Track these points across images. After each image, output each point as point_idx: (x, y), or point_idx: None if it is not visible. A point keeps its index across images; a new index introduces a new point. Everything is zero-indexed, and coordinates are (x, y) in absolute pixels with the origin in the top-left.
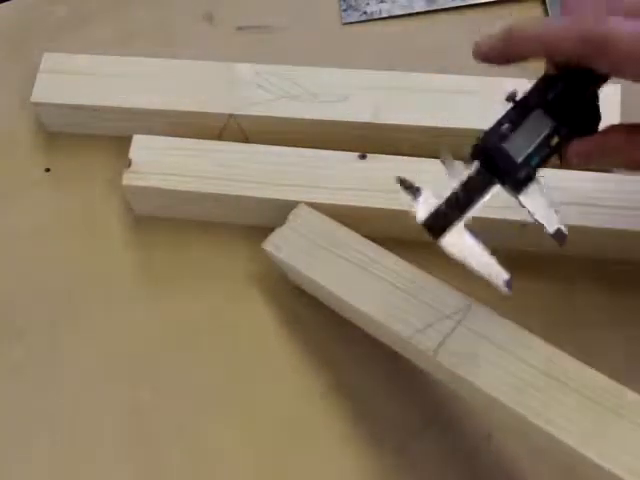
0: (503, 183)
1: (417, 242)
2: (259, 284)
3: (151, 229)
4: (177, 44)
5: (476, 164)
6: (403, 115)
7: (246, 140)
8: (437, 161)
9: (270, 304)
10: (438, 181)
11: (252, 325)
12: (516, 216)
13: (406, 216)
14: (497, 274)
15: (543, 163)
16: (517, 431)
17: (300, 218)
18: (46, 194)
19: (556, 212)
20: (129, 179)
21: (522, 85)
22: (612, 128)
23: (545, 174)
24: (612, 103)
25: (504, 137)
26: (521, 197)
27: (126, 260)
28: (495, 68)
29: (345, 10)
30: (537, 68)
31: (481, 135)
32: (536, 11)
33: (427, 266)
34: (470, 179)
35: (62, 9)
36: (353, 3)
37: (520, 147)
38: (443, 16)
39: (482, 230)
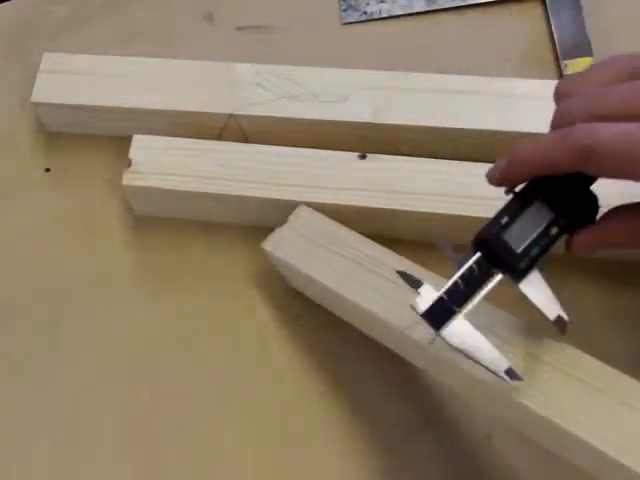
0: (504, 273)
1: (417, 242)
2: (259, 284)
3: (151, 229)
4: (177, 44)
5: (477, 255)
6: (403, 115)
7: (246, 140)
8: (437, 161)
9: (270, 304)
10: (437, 182)
11: (252, 325)
12: None
13: (406, 216)
14: (498, 364)
15: (543, 253)
16: (515, 426)
17: (300, 218)
18: (46, 194)
19: (556, 299)
20: (129, 179)
21: (522, 85)
22: (612, 215)
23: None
24: None
25: (504, 228)
26: (521, 286)
27: (126, 260)
28: (495, 68)
29: (345, 10)
30: (537, 68)
31: (481, 227)
32: (536, 11)
33: (427, 266)
34: (471, 269)
35: (62, 9)
36: (353, 3)
37: (520, 238)
38: (443, 16)
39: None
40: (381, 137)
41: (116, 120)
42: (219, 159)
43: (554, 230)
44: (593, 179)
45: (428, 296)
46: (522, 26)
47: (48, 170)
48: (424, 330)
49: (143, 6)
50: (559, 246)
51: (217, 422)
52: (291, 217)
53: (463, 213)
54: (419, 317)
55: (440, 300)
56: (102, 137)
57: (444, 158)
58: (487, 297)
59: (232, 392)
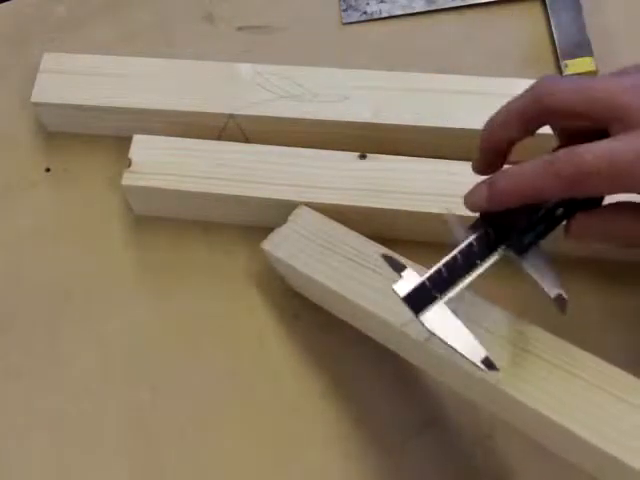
0: (507, 247)
1: (417, 242)
2: (259, 284)
3: (151, 229)
4: (177, 44)
5: (481, 229)
6: (403, 115)
7: (246, 140)
8: (437, 161)
9: (270, 304)
10: (437, 182)
11: (251, 325)
12: None
13: (406, 216)
14: (475, 352)
15: (548, 231)
16: (515, 424)
17: (300, 218)
18: (46, 194)
19: (558, 278)
20: (129, 179)
21: (521, 85)
22: (617, 207)
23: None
24: None
25: None
26: (524, 262)
27: (126, 260)
28: (495, 68)
29: (345, 10)
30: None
31: None
32: (536, 11)
33: (426, 265)
34: (472, 243)
35: (62, 9)
36: (353, 3)
37: (525, 214)
38: (443, 16)
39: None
40: (381, 137)
41: (116, 120)
42: (219, 159)
43: (559, 210)
44: None
45: (411, 281)
46: (522, 26)
47: (48, 170)
48: (421, 328)
49: (143, 6)
50: (560, 246)
51: (217, 422)
52: (291, 217)
53: (463, 213)
54: (402, 301)
55: (422, 285)
56: (102, 137)
57: (444, 158)
58: (471, 286)
59: (232, 392)
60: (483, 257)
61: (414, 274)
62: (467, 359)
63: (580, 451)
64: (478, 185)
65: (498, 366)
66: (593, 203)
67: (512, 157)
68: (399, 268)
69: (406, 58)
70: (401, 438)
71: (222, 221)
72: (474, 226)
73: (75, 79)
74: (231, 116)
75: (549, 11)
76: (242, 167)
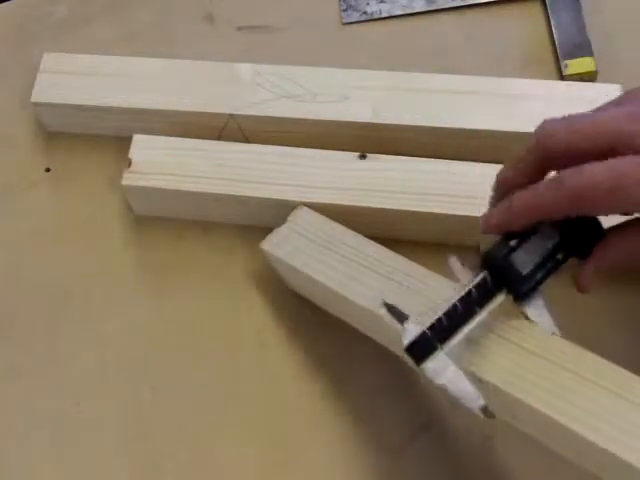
0: (507, 293)
1: (417, 242)
2: (258, 284)
3: (151, 229)
4: (177, 44)
5: (483, 273)
6: (403, 115)
7: (246, 140)
8: (437, 161)
9: (270, 304)
10: (437, 182)
11: (251, 325)
12: None
13: (406, 216)
14: (474, 401)
15: (547, 276)
16: (513, 422)
17: (299, 218)
18: (46, 194)
19: (555, 323)
20: (129, 179)
21: (521, 85)
22: (609, 240)
23: None
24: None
25: (512, 249)
26: (524, 307)
27: (126, 260)
28: (495, 68)
29: (345, 10)
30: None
31: (489, 246)
32: (536, 11)
33: (428, 266)
34: (472, 291)
35: (62, 9)
36: (353, 3)
37: (526, 260)
38: (443, 16)
39: (479, 230)
40: (381, 137)
41: (116, 120)
42: (219, 159)
43: (560, 255)
44: None
45: (412, 330)
46: (522, 26)
47: (48, 170)
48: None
49: (143, 6)
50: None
51: (217, 422)
52: (290, 217)
53: (463, 213)
54: (405, 352)
55: (423, 335)
56: (102, 137)
57: (444, 158)
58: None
59: (232, 392)
60: (483, 304)
61: (415, 322)
62: (467, 407)
63: (580, 449)
64: (490, 208)
65: None
66: (590, 245)
67: None
68: (402, 318)
69: (406, 58)
70: (401, 438)
71: (222, 221)
72: (474, 271)
73: (75, 79)
74: (231, 116)
75: (549, 11)
76: (242, 167)
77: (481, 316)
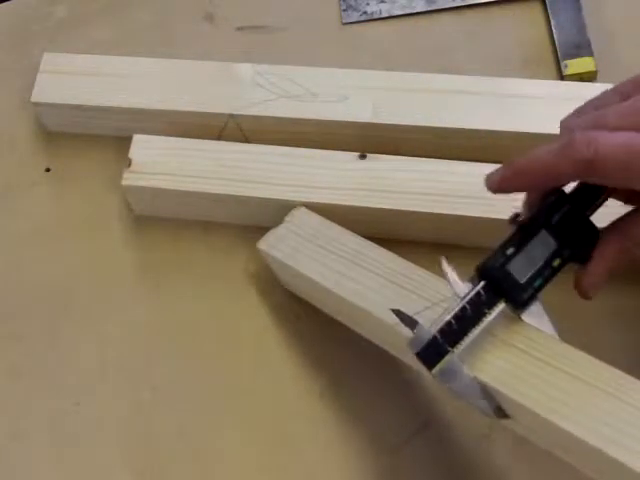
0: (506, 302)
1: (417, 242)
2: (258, 284)
3: (151, 229)
4: (177, 44)
5: (481, 283)
6: (403, 115)
7: (246, 140)
8: (437, 161)
9: (269, 304)
10: (437, 182)
11: (251, 325)
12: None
13: (406, 216)
14: (483, 404)
15: (545, 284)
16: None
17: (296, 218)
18: (46, 194)
19: (555, 330)
20: (129, 179)
21: (521, 85)
22: (604, 243)
23: None
24: None
25: (509, 258)
26: (523, 316)
27: (126, 260)
28: (495, 68)
29: (345, 10)
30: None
31: (486, 256)
32: (536, 11)
33: (427, 267)
34: (473, 298)
35: (62, 9)
36: (353, 3)
37: (523, 269)
38: (443, 16)
39: (479, 230)
40: (381, 137)
41: (116, 120)
42: (219, 159)
43: (557, 262)
44: (595, 208)
45: (423, 335)
46: (522, 26)
47: (48, 170)
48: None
49: (143, 6)
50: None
51: (217, 422)
52: (287, 217)
53: (463, 213)
54: (416, 357)
55: (434, 340)
56: (102, 137)
57: (444, 158)
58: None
59: (232, 392)
60: (488, 308)
61: (425, 328)
62: (480, 409)
63: (576, 450)
64: (500, 167)
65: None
66: (587, 251)
67: None
68: (411, 324)
69: (406, 58)
70: (401, 438)
71: (222, 221)
72: (471, 279)
73: (75, 79)
74: (231, 116)
75: (549, 11)
76: (242, 167)
77: (488, 320)
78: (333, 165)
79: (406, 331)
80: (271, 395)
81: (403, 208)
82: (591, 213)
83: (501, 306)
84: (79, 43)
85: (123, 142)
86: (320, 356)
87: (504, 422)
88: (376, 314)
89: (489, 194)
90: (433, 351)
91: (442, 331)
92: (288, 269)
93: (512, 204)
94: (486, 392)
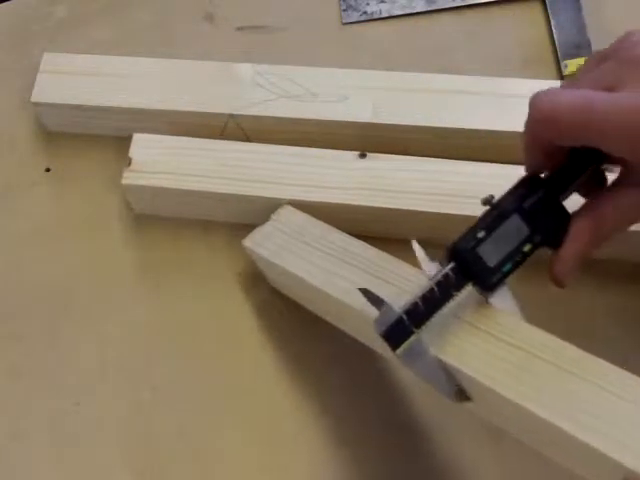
0: (474, 285)
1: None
2: (259, 283)
3: (151, 228)
4: (177, 44)
5: (450, 265)
6: (403, 115)
7: (247, 139)
8: (437, 161)
9: (270, 304)
10: (437, 182)
11: (251, 324)
12: None
13: (406, 216)
14: (445, 387)
15: (515, 268)
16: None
17: (283, 217)
18: (46, 194)
19: (521, 314)
20: (129, 178)
21: (521, 85)
22: (574, 228)
23: None
24: None
25: (479, 242)
26: (491, 299)
27: (126, 259)
28: (495, 68)
29: (345, 10)
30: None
31: (456, 238)
32: (536, 11)
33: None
34: (441, 280)
35: (62, 9)
36: (353, 3)
37: (494, 252)
38: (443, 16)
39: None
40: (381, 137)
41: (116, 120)
42: (219, 158)
43: (527, 247)
44: (568, 193)
45: (388, 315)
46: (522, 26)
47: (48, 170)
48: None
49: (143, 6)
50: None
51: (217, 421)
52: (274, 215)
53: (463, 213)
54: (380, 337)
55: (400, 320)
56: (102, 137)
57: (444, 158)
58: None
59: (232, 392)
60: (456, 291)
61: (391, 308)
62: (441, 392)
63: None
64: None
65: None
66: (558, 238)
67: None
68: (377, 303)
69: (406, 58)
70: (401, 438)
71: (222, 220)
72: (441, 261)
73: (75, 79)
74: (231, 116)
75: (549, 11)
76: (242, 166)
77: (454, 302)
78: (333, 164)
79: (373, 311)
80: (271, 395)
81: (403, 207)
82: (564, 198)
83: (469, 288)
84: (79, 43)
85: (123, 142)
86: (321, 356)
87: (466, 405)
88: (350, 304)
89: (488, 193)
90: (398, 331)
91: (408, 312)
92: (274, 267)
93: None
94: (449, 374)
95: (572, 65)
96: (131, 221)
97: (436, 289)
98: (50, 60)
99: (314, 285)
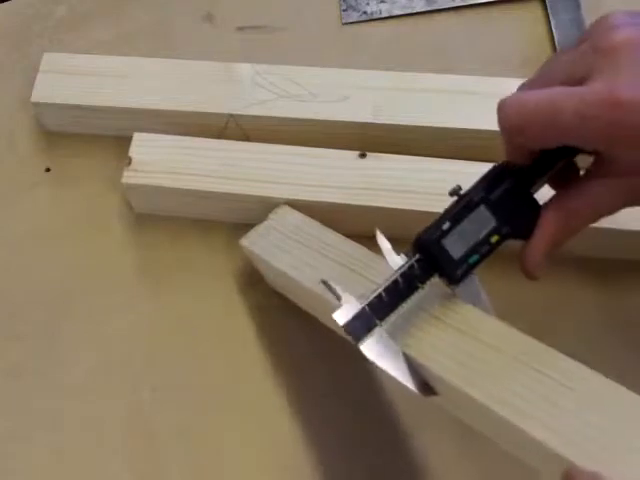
0: (440, 277)
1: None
2: (259, 283)
3: (151, 228)
4: (177, 44)
5: (415, 256)
6: (403, 115)
7: (247, 139)
8: (437, 161)
9: (270, 303)
10: (437, 182)
11: (252, 324)
12: None
13: (406, 215)
14: (413, 379)
15: (482, 260)
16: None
17: (279, 216)
18: (46, 194)
19: (490, 305)
20: (129, 177)
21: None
22: (544, 220)
23: None
24: None
25: (444, 233)
26: (457, 291)
27: (126, 259)
28: (495, 68)
29: (345, 10)
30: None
31: (422, 230)
32: (536, 11)
33: None
34: (406, 272)
35: (62, 9)
36: (353, 3)
37: (459, 244)
38: (443, 16)
39: None
40: (381, 137)
41: (116, 120)
42: (219, 158)
43: (495, 238)
44: (539, 185)
45: (350, 308)
46: (522, 26)
47: (48, 170)
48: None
49: (143, 6)
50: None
51: (217, 421)
52: (271, 215)
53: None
54: (342, 330)
55: (362, 312)
56: (102, 137)
57: (444, 158)
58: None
59: (232, 391)
60: (421, 283)
61: (354, 300)
62: (407, 386)
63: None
64: None
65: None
66: (527, 230)
67: None
68: (337, 296)
69: (406, 58)
70: (401, 437)
71: (222, 220)
72: (406, 253)
73: (75, 79)
74: (231, 116)
75: (549, 11)
76: (242, 166)
77: (419, 295)
78: (334, 164)
79: (335, 303)
80: (272, 395)
81: (403, 207)
82: (536, 190)
83: (435, 281)
84: (79, 43)
85: (123, 142)
86: (322, 356)
87: (434, 400)
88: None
89: None
90: (361, 324)
91: (371, 304)
92: (269, 266)
93: None
94: (412, 368)
95: None
96: (131, 221)
97: (400, 281)
98: (50, 60)
99: (306, 286)
